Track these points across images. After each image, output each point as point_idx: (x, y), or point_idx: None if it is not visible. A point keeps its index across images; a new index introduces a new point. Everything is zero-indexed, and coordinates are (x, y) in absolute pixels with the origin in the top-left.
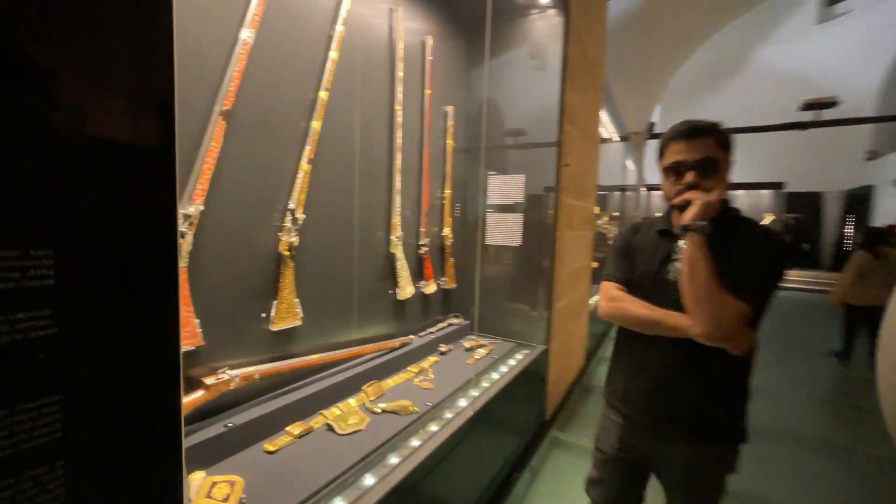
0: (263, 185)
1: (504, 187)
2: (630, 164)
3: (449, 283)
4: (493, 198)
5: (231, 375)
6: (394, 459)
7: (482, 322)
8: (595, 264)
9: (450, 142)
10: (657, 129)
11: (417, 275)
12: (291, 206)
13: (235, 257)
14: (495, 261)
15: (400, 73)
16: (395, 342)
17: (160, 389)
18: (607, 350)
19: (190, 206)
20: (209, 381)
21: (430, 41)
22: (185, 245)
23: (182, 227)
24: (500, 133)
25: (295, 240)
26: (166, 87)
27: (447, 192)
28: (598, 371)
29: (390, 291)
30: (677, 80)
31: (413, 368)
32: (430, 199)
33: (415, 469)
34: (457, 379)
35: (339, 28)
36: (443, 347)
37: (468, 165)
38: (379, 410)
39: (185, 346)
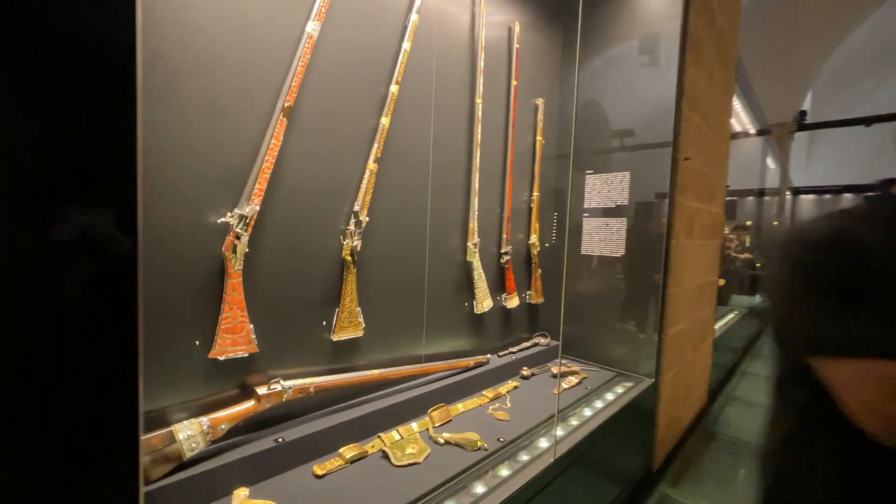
0: (326, 186)
1: (605, 187)
2: (771, 162)
3: (535, 297)
4: (592, 200)
5: (284, 387)
6: None
7: (575, 345)
8: (722, 281)
9: (539, 138)
10: (809, 120)
11: (498, 287)
12: (356, 207)
13: (294, 261)
14: (593, 274)
15: (482, 64)
16: (469, 361)
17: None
18: (738, 388)
19: (246, 207)
20: (261, 390)
21: (517, 27)
22: (241, 247)
23: (237, 228)
24: (601, 126)
25: (358, 244)
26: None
27: (535, 194)
28: (726, 413)
29: (466, 304)
30: (835, 62)
31: (488, 393)
32: (515, 201)
33: None
34: (539, 411)
35: (414, 17)
36: (525, 371)
37: (560, 163)
38: (442, 441)
39: (239, 352)
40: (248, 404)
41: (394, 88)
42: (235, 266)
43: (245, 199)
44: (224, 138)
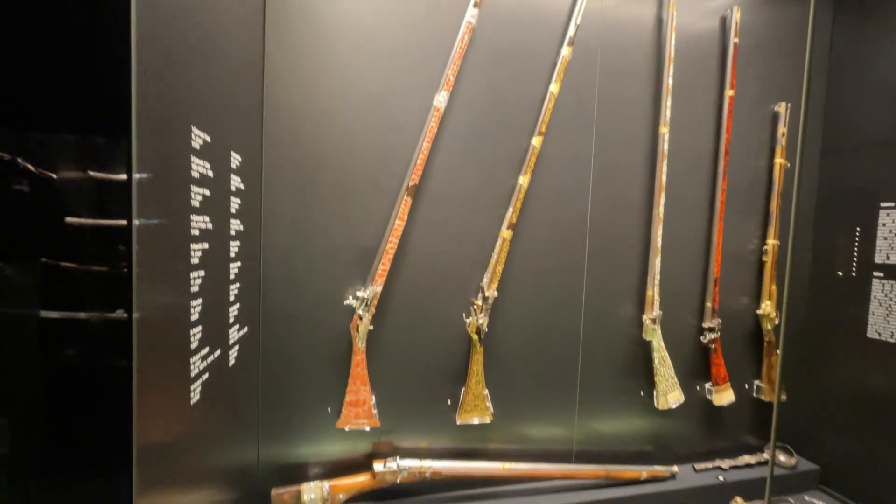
0: (452, 260)
1: None
2: None
3: (769, 391)
4: (892, 250)
5: (400, 467)
6: None
7: (846, 475)
8: None
9: (780, 161)
10: None
11: (698, 372)
12: (484, 281)
13: (419, 338)
14: (889, 368)
15: (670, 81)
16: (641, 472)
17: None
18: None
19: (368, 289)
20: (378, 466)
21: (736, 14)
22: (363, 326)
23: (360, 309)
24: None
25: (484, 321)
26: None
27: (770, 241)
28: None
29: (641, 392)
30: None
31: None
32: (732, 253)
33: None
34: None
35: (565, 51)
36: (740, 502)
37: (823, 195)
38: None
39: (361, 425)
40: (360, 478)
41: (535, 141)
42: (359, 344)
43: (370, 279)
44: (355, 221)
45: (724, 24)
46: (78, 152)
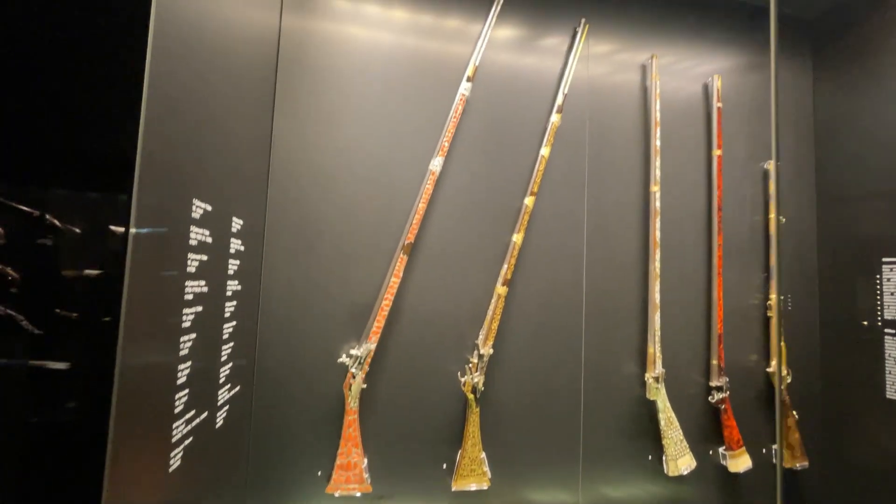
0: (447, 317)
1: None
2: None
3: (791, 457)
4: (894, 305)
5: None
6: None
7: None
8: None
9: (774, 216)
10: None
11: (710, 436)
12: (479, 339)
13: (413, 398)
14: None
15: (657, 143)
16: None
17: None
18: None
19: (362, 346)
20: None
21: (717, 82)
22: (356, 385)
23: (353, 367)
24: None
25: (479, 380)
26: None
27: (773, 297)
28: None
29: (650, 457)
30: None
31: None
32: (735, 309)
33: None
34: None
35: (554, 118)
36: None
37: (825, 248)
38: None
39: (350, 490)
40: None
41: (528, 201)
42: (352, 404)
43: (364, 337)
44: (353, 279)
45: (706, 90)
46: (84, 216)
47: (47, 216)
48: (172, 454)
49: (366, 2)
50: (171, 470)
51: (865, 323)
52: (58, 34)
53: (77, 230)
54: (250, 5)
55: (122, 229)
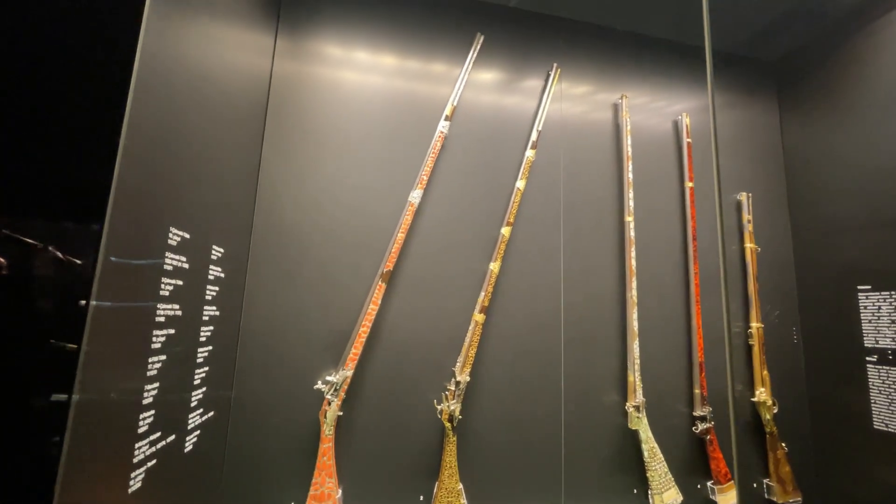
0: (424, 345)
1: None
2: None
3: (782, 491)
4: (881, 333)
5: None
6: None
7: None
8: None
9: (750, 245)
10: None
11: (695, 468)
12: (456, 366)
13: (389, 426)
14: None
15: (629, 176)
16: None
17: None
18: None
19: (339, 373)
20: None
21: (685, 120)
22: (332, 413)
23: (328, 394)
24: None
25: (456, 408)
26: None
27: (754, 325)
28: None
29: (635, 491)
30: None
31: None
32: (715, 337)
33: None
34: None
35: (529, 154)
36: None
37: (805, 275)
38: None
39: None
40: None
41: (504, 231)
42: (327, 431)
43: (342, 364)
44: (334, 307)
45: (676, 126)
46: (55, 237)
47: (29, 240)
48: (133, 474)
49: (354, 49)
50: (130, 491)
51: (846, 353)
52: (44, 63)
53: (58, 253)
54: (241, 51)
55: (96, 251)
